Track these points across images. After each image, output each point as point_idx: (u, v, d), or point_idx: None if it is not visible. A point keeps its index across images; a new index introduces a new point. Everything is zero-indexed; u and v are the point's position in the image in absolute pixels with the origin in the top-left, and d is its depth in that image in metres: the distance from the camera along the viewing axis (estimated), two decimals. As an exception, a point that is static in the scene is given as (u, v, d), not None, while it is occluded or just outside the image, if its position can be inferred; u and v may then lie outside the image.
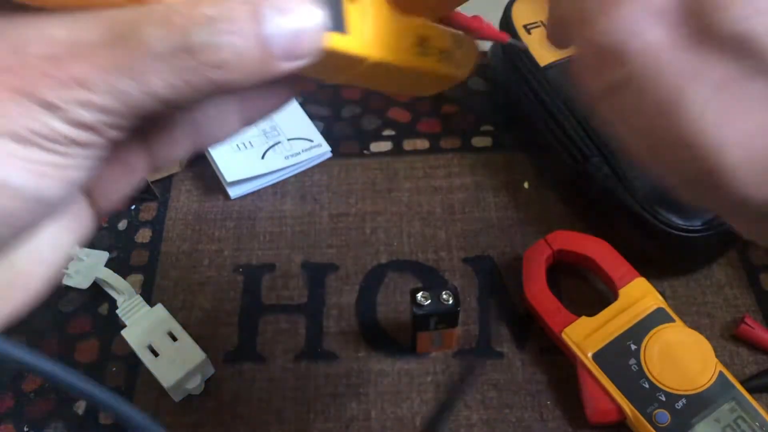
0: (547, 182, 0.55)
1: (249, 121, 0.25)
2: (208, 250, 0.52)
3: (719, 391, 0.41)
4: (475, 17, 0.30)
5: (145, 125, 0.22)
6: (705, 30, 0.19)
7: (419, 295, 0.43)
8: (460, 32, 0.28)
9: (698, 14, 0.19)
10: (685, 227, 0.46)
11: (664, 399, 0.41)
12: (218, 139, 0.25)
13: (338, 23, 0.22)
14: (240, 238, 0.53)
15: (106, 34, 0.18)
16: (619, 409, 0.42)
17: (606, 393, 0.42)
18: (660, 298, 0.45)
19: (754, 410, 0.41)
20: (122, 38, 0.18)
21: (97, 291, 0.49)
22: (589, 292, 0.49)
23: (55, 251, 0.23)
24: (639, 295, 0.45)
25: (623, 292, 0.45)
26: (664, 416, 0.41)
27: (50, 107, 0.18)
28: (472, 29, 0.29)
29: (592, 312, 0.45)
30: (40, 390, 0.46)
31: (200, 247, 0.52)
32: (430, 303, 0.43)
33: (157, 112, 0.19)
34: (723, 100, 0.19)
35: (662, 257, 0.48)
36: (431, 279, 0.50)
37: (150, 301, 0.48)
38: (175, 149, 0.25)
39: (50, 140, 0.18)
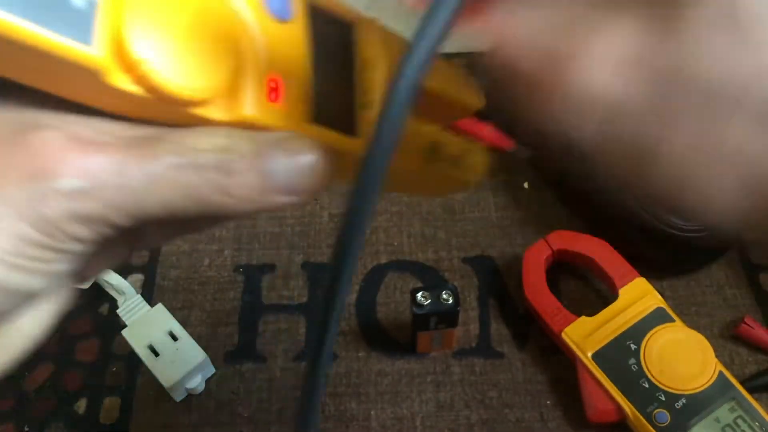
0: (548, 182, 0.55)
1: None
2: (208, 250, 0.52)
3: (719, 390, 0.41)
4: (479, 124, 0.30)
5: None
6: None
7: (419, 295, 0.43)
8: (472, 140, 0.29)
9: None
10: (685, 227, 0.46)
11: (663, 399, 0.41)
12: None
13: (351, 129, 0.23)
14: (240, 238, 0.53)
15: (126, 138, 0.19)
16: (619, 409, 0.42)
17: (606, 393, 0.42)
18: (660, 297, 0.45)
19: (753, 410, 0.41)
20: (139, 145, 0.19)
21: (97, 291, 0.49)
22: (589, 292, 0.49)
23: (35, 324, 0.22)
24: (639, 295, 0.45)
25: (623, 292, 0.45)
26: (663, 416, 0.41)
27: (58, 196, 0.17)
28: (477, 136, 0.30)
29: (592, 312, 0.45)
30: (41, 389, 0.46)
31: (200, 247, 0.52)
32: (430, 303, 0.43)
33: (157, 217, 0.19)
34: (701, 151, 0.17)
35: (662, 257, 0.48)
36: (431, 279, 0.50)
37: (150, 301, 0.48)
38: (160, 240, 0.25)
39: (47, 235, 0.18)
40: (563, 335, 0.44)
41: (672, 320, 0.44)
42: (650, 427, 0.40)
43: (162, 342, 0.45)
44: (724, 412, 0.41)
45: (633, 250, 0.47)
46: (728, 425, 0.41)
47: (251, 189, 0.20)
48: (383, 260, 0.51)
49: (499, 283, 0.50)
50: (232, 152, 0.20)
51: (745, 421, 0.41)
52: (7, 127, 0.18)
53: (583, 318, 0.45)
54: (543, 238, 0.48)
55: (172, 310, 0.47)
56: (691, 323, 0.45)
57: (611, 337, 0.44)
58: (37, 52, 0.17)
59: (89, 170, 0.18)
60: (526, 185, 0.55)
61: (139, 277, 0.51)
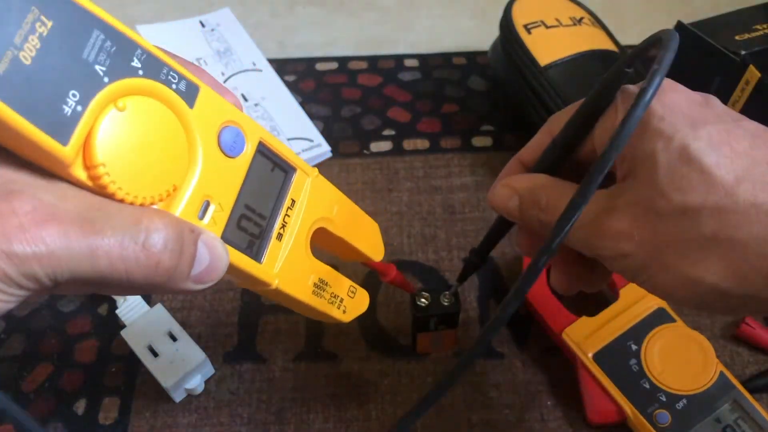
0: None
1: None
2: (207, 250, 0.52)
3: (720, 391, 0.41)
4: (388, 265, 0.38)
5: None
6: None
7: (419, 296, 0.43)
8: (358, 287, 0.35)
9: None
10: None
11: (664, 399, 0.41)
12: None
13: (258, 254, 0.29)
14: (240, 238, 0.52)
15: (80, 210, 0.23)
16: (620, 410, 0.42)
17: (606, 393, 0.42)
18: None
19: (754, 410, 0.41)
20: (91, 220, 0.23)
21: (96, 291, 0.49)
22: (589, 293, 0.49)
23: None
24: (640, 295, 0.45)
25: (624, 292, 0.45)
26: (664, 416, 0.41)
27: (13, 257, 0.21)
28: (383, 274, 0.38)
29: (592, 312, 0.45)
30: (40, 390, 0.46)
31: (200, 247, 0.52)
32: (430, 304, 0.42)
33: (89, 279, 0.23)
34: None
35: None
36: (431, 279, 0.50)
37: (150, 301, 0.48)
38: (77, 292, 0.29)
39: (1, 282, 0.21)
40: (564, 336, 0.44)
41: (673, 320, 0.44)
42: (651, 428, 0.40)
43: (161, 342, 0.45)
44: (725, 413, 0.41)
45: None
46: (729, 426, 0.41)
47: (177, 270, 0.24)
48: (383, 260, 0.51)
49: (499, 283, 0.50)
50: (179, 239, 0.24)
51: (745, 421, 0.41)
52: None
53: (584, 318, 0.45)
54: (543, 238, 0.48)
55: (172, 311, 0.47)
56: (692, 323, 0.45)
57: (612, 338, 0.44)
58: (25, 139, 0.21)
59: (43, 239, 0.22)
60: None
61: (138, 277, 0.51)
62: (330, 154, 0.57)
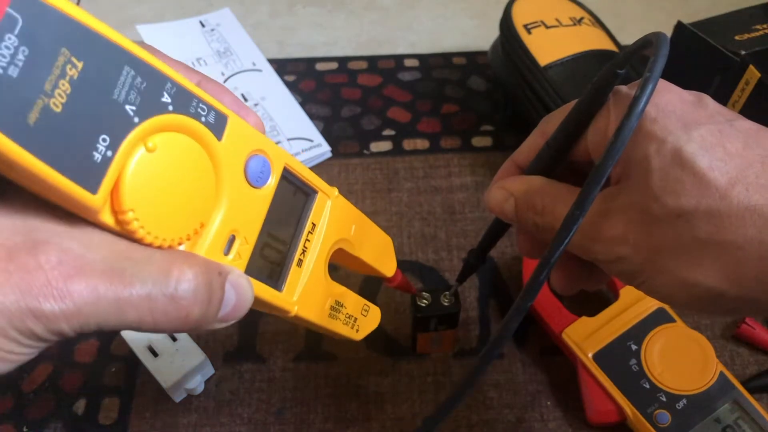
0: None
1: None
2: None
3: (720, 391, 0.41)
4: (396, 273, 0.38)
5: None
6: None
7: (419, 296, 0.43)
8: (371, 305, 0.36)
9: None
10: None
11: (664, 399, 0.41)
12: None
13: (279, 282, 0.29)
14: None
15: (108, 260, 0.22)
16: (620, 410, 0.42)
17: (606, 393, 0.42)
18: (660, 298, 0.45)
19: (754, 411, 0.41)
20: (119, 271, 0.22)
21: (96, 291, 0.49)
22: (589, 292, 0.49)
23: None
24: (640, 295, 0.45)
25: (624, 292, 0.45)
26: (664, 416, 0.41)
27: (41, 316, 0.21)
28: (389, 280, 0.38)
29: (592, 312, 0.45)
30: (40, 390, 0.46)
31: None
32: (430, 304, 0.42)
33: (113, 329, 0.23)
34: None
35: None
36: (431, 279, 0.50)
37: (150, 301, 0.48)
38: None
39: (25, 336, 0.21)
40: (564, 336, 0.44)
41: (673, 320, 0.44)
42: (651, 428, 0.40)
43: (161, 342, 0.45)
44: (725, 413, 0.41)
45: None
46: (729, 426, 0.41)
47: (205, 318, 0.24)
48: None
49: (499, 284, 0.50)
50: (208, 287, 0.24)
51: (746, 421, 0.41)
52: (12, 237, 0.21)
53: (584, 318, 0.45)
54: (543, 238, 0.48)
55: (172, 311, 0.47)
56: (692, 323, 0.45)
57: (612, 338, 0.44)
58: (54, 189, 0.20)
59: (71, 295, 0.21)
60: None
61: (138, 277, 0.51)
62: (330, 154, 0.58)
